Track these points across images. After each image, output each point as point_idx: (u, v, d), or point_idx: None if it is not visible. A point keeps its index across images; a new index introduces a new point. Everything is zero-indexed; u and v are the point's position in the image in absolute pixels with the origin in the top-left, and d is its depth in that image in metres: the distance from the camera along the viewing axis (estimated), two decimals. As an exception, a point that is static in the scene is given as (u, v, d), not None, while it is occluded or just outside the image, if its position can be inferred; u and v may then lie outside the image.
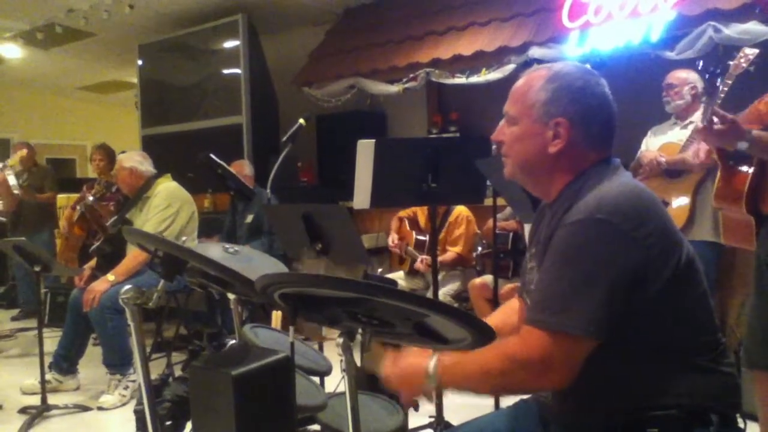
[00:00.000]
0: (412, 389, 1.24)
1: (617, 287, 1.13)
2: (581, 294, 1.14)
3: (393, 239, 4.42)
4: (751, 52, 2.35)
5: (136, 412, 1.30)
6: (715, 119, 1.94)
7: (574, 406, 1.24)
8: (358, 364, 0.99)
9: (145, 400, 1.17)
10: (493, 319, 1.54)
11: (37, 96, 9.08)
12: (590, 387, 1.18)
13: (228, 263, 1.26)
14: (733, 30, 3.61)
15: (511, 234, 3.95)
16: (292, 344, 1.03)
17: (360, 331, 0.99)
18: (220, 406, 1.14)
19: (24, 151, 5.45)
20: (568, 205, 1.25)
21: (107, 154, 4.89)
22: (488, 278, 3.78)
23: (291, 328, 1.03)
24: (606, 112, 1.33)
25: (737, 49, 2.44)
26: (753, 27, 3.54)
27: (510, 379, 1.18)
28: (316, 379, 1.78)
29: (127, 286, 1.11)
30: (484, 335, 0.98)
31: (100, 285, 3.50)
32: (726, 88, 2.26)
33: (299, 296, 1.06)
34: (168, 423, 1.28)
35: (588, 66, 1.38)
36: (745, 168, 2.13)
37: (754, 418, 2.18)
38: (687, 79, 3.25)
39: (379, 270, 2.56)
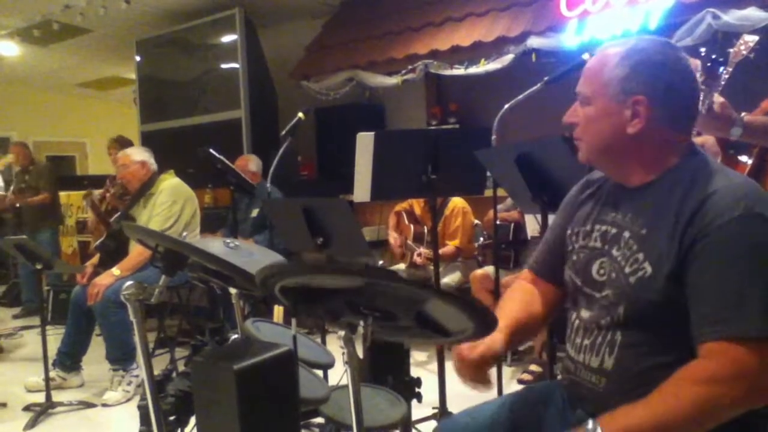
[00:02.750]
0: None
1: None
2: (764, 294, 1.08)
3: (393, 239, 4.41)
4: (751, 39, 2.33)
5: (139, 407, 1.30)
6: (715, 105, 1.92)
7: (635, 396, 1.13)
8: (360, 356, 0.99)
9: (148, 396, 1.18)
10: (513, 311, 1.45)
11: (35, 93, 9.06)
12: (658, 379, 1.12)
13: (228, 258, 1.26)
14: (731, 16, 3.60)
15: (512, 225, 3.95)
16: (295, 337, 1.03)
17: (362, 323, 0.99)
18: (223, 401, 1.14)
19: (9, 157, 5.48)
20: (690, 196, 1.17)
21: (123, 146, 4.88)
22: (490, 269, 3.78)
23: (293, 321, 1.03)
24: (689, 89, 1.26)
25: (736, 36, 2.43)
26: (752, 13, 3.53)
27: (718, 405, 1.07)
28: (320, 372, 1.78)
29: (129, 282, 1.11)
30: (485, 321, 0.97)
31: (105, 279, 3.51)
32: (726, 76, 2.24)
33: (299, 290, 1.06)
34: (172, 418, 1.29)
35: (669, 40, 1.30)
36: (744, 158, 2.12)
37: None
38: (696, 65, 3.23)
39: (380, 263, 2.56)
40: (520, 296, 1.51)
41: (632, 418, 1.09)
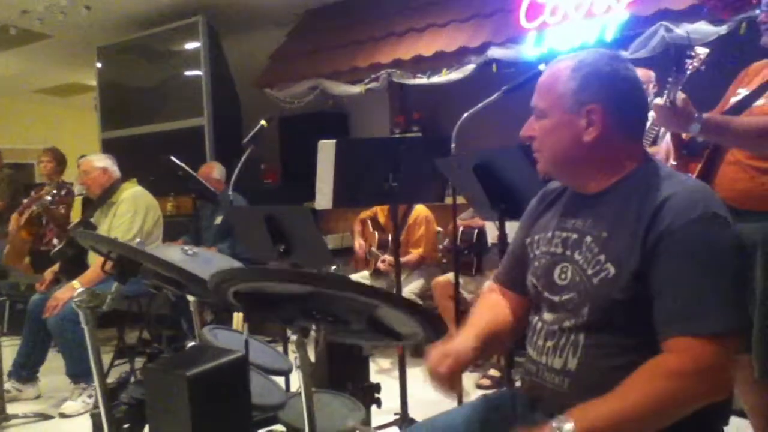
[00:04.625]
0: None
1: (741, 277, 1.16)
2: (725, 291, 1.14)
3: (359, 245, 4.43)
4: (702, 52, 2.40)
5: (92, 416, 1.29)
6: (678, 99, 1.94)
7: (598, 396, 1.16)
8: (312, 359, 1.00)
9: (101, 404, 1.17)
10: (482, 321, 1.49)
11: (-9, 99, 8.85)
12: (621, 380, 1.15)
13: (184, 265, 1.26)
14: (683, 29, 3.71)
15: (476, 231, 4.00)
16: (247, 341, 1.04)
17: (314, 327, 1.00)
18: (176, 408, 1.15)
19: None
20: (648, 200, 1.22)
21: (55, 157, 4.81)
22: (452, 276, 3.82)
23: (245, 326, 1.04)
24: (638, 97, 1.33)
25: (689, 49, 2.50)
26: (702, 27, 3.64)
27: (682, 399, 1.12)
28: (281, 380, 1.78)
29: (80, 289, 1.11)
30: (435, 327, 0.99)
31: (65, 293, 3.44)
32: (679, 87, 2.30)
33: (253, 295, 1.07)
34: (125, 426, 1.28)
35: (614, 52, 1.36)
36: (696, 161, 2.18)
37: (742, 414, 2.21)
38: (650, 76, 3.31)
39: (333, 268, 2.57)
40: (488, 307, 1.55)
41: (601, 411, 1.13)
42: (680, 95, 1.96)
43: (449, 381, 1.35)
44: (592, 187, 1.35)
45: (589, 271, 1.27)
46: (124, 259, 1.16)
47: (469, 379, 3.69)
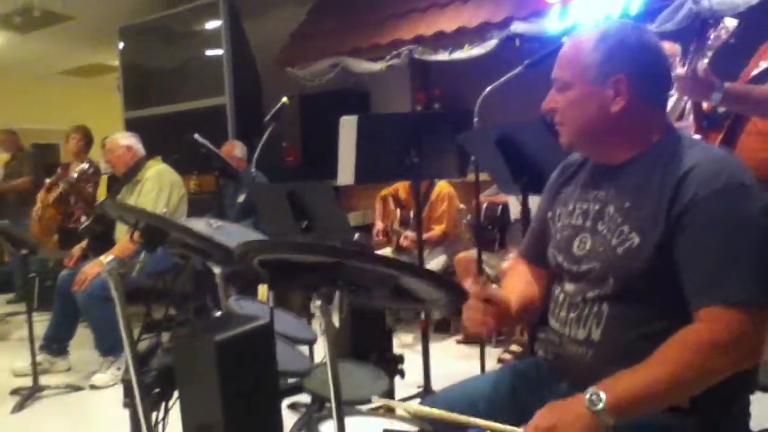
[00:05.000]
0: None
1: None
2: (754, 260, 1.13)
3: (378, 227, 4.44)
4: (731, 24, 2.35)
5: (123, 381, 1.33)
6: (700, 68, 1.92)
7: (622, 366, 1.17)
8: (336, 325, 1.02)
9: (131, 369, 1.20)
10: (518, 287, 1.50)
11: (17, 81, 8.96)
12: (645, 349, 1.16)
13: (210, 234, 1.28)
14: (712, 1, 3.63)
15: (500, 207, 4.00)
16: (272, 309, 1.06)
17: (338, 294, 1.02)
18: (204, 373, 1.17)
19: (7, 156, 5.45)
20: (672, 170, 1.22)
21: (85, 135, 4.86)
22: (474, 252, 3.83)
23: (270, 294, 1.06)
24: (663, 67, 1.32)
25: (712, 19, 2.45)
26: (731, -3, 3.56)
27: (712, 368, 1.12)
28: (305, 349, 1.81)
29: (110, 257, 1.13)
30: (455, 293, 1.00)
31: (93, 268, 3.52)
32: (706, 60, 2.26)
33: (278, 263, 1.09)
34: (155, 391, 1.32)
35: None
36: (717, 132, 2.16)
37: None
38: (675, 50, 3.25)
39: (356, 236, 2.59)
40: (520, 276, 1.56)
41: (633, 382, 1.13)
42: (701, 64, 1.93)
43: (486, 322, 1.33)
44: (615, 158, 1.35)
45: (614, 242, 1.27)
46: (151, 228, 1.18)
47: (490, 355, 3.70)
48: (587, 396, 1.12)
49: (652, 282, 1.22)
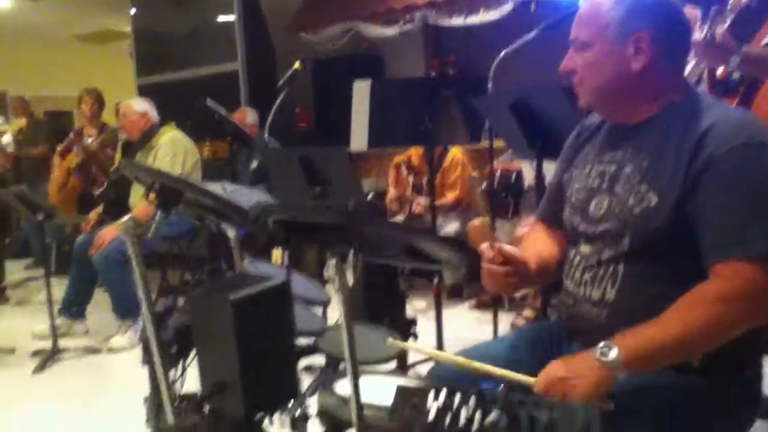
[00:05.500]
0: (598, 392, 1.10)
1: None
2: None
3: (390, 198, 4.43)
4: None
5: (141, 339, 1.35)
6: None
7: (636, 326, 1.16)
8: (350, 283, 1.02)
9: (148, 327, 1.22)
10: (536, 248, 1.49)
11: (29, 48, 8.94)
12: (659, 308, 1.16)
13: (225, 195, 1.29)
14: (734, -38, 3.53)
15: (514, 174, 3.97)
16: (289, 266, 1.06)
17: (351, 253, 1.02)
18: (222, 331, 1.19)
19: (22, 121, 5.45)
20: (691, 128, 1.21)
21: (97, 99, 4.84)
22: (487, 219, 3.82)
23: (285, 254, 1.07)
24: (683, 24, 1.31)
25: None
26: (754, -42, 3.46)
27: (728, 322, 1.12)
28: (319, 311, 1.83)
29: (126, 217, 1.14)
30: (467, 254, 1.00)
31: (110, 232, 3.56)
32: (726, 24, 2.21)
33: (292, 223, 1.09)
34: (173, 350, 1.34)
35: None
36: (731, 99, 2.13)
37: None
38: (695, 15, 3.18)
39: (370, 195, 2.59)
40: (539, 238, 1.56)
41: (645, 336, 1.14)
42: (720, 29, 1.90)
43: (504, 281, 1.34)
44: (633, 118, 1.33)
45: (630, 201, 1.26)
46: (167, 189, 1.19)
47: (503, 320, 3.72)
48: (598, 347, 1.13)
49: (668, 241, 1.22)
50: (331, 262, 1.02)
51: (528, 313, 3.63)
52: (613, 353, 1.11)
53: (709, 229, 1.17)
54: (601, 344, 1.13)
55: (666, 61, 1.28)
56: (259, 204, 1.01)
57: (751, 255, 1.12)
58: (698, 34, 1.92)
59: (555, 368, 1.15)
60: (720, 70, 2.15)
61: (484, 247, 1.33)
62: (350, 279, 1.01)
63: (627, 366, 1.11)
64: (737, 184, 1.16)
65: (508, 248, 1.34)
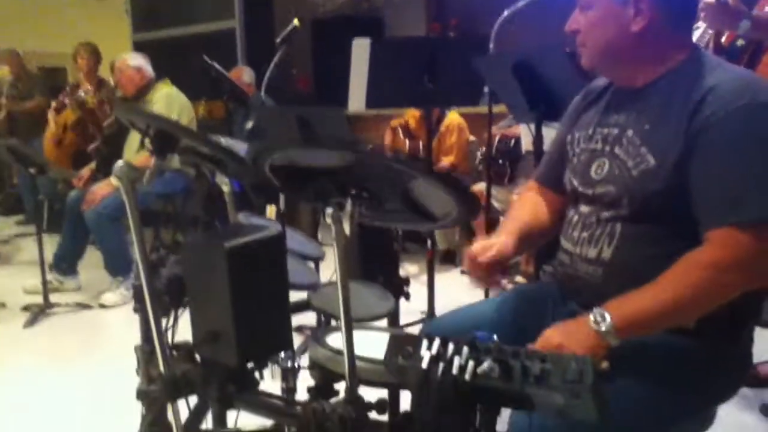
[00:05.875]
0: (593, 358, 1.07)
1: None
2: None
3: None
4: None
5: (133, 286, 1.34)
6: None
7: (631, 287, 1.16)
8: (348, 233, 1.01)
9: (142, 275, 1.21)
10: (522, 218, 1.50)
11: (23, 3, 8.77)
12: (655, 269, 1.15)
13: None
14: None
15: (513, 140, 3.95)
16: (283, 213, 1.05)
17: (349, 202, 1.00)
18: (215, 281, 1.17)
19: (4, 69, 5.36)
20: (694, 90, 1.19)
21: (94, 53, 4.75)
22: (483, 185, 3.81)
23: (281, 198, 1.05)
24: None
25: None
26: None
27: (718, 289, 1.12)
28: (311, 266, 1.82)
29: (121, 162, 1.12)
30: (467, 202, 0.99)
31: (103, 189, 3.53)
32: None
33: (289, 169, 1.08)
34: (165, 299, 1.33)
35: None
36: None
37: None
38: None
39: (369, 147, 2.58)
40: (527, 205, 1.56)
41: (638, 303, 1.14)
42: None
43: (488, 273, 1.37)
44: (638, 80, 1.32)
45: (630, 164, 1.26)
46: (163, 133, 1.16)
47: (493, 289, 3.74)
48: (591, 315, 1.13)
49: (666, 204, 1.21)
50: (329, 211, 1.01)
51: (520, 279, 3.64)
52: (607, 321, 1.11)
53: (704, 194, 1.16)
54: (595, 312, 1.13)
55: (668, 22, 1.26)
56: (255, 146, 0.99)
57: (745, 221, 1.11)
58: None
59: (551, 335, 1.16)
60: (725, 37, 2.14)
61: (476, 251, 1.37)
62: (347, 229, 1.00)
63: (620, 333, 1.12)
64: (735, 146, 1.14)
65: (487, 250, 1.37)
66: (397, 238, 2.98)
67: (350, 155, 0.93)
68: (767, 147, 1.13)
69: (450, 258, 4.35)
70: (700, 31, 2.66)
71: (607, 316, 1.12)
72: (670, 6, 1.25)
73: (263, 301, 1.21)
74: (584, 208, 1.36)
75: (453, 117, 4.23)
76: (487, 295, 2.84)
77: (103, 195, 3.49)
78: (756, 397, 2.37)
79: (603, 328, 1.11)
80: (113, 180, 1.14)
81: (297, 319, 2.62)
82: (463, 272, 4.09)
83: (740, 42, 2.15)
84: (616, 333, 1.12)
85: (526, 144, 3.66)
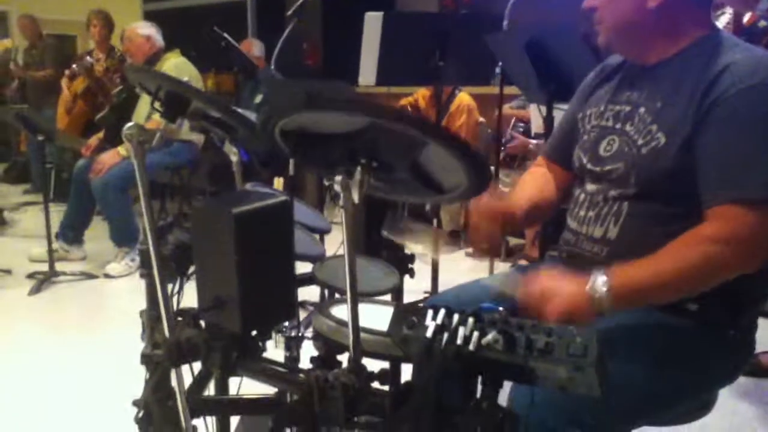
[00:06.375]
0: (570, 317, 1.07)
1: None
2: None
3: None
4: None
5: (140, 251, 1.34)
6: None
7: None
8: (356, 200, 1.00)
9: (149, 240, 1.20)
10: (527, 191, 1.50)
11: (34, -32, 8.71)
12: (660, 247, 1.14)
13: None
14: None
15: (529, 123, 3.93)
16: (292, 177, 1.04)
17: (359, 169, 1.00)
18: (222, 246, 1.17)
19: (7, 42, 5.33)
20: (708, 68, 1.17)
21: (106, 20, 4.72)
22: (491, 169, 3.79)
23: (291, 162, 1.04)
24: None
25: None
26: None
27: (715, 265, 1.10)
28: (317, 237, 1.82)
29: (130, 123, 1.12)
30: (479, 172, 0.98)
31: (111, 158, 3.53)
32: None
33: (299, 134, 1.07)
34: (172, 264, 1.33)
35: None
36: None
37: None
38: None
39: None
40: (534, 179, 1.55)
41: (637, 271, 1.12)
42: None
43: (491, 236, 1.37)
44: (652, 57, 1.30)
45: (639, 141, 1.25)
46: (173, 95, 1.15)
47: (499, 268, 3.74)
48: (592, 278, 1.11)
49: (674, 183, 1.20)
50: (338, 178, 1.00)
51: (524, 262, 3.64)
52: (603, 286, 1.09)
53: (710, 169, 1.15)
54: (596, 274, 1.11)
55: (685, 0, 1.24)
56: (270, 106, 0.98)
57: (749, 198, 1.10)
58: None
59: (543, 278, 1.14)
60: (747, 17, 2.10)
61: (480, 211, 1.36)
62: (356, 197, 0.99)
63: (615, 300, 1.09)
64: (742, 124, 1.12)
65: (492, 201, 1.36)
66: (403, 216, 2.97)
67: (362, 117, 0.92)
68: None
69: (454, 239, 4.34)
70: (726, 17, 2.63)
71: (603, 278, 1.10)
72: None
73: (269, 268, 1.21)
74: (591, 187, 1.35)
75: (462, 97, 4.20)
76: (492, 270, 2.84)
77: (111, 164, 3.49)
78: (756, 387, 2.38)
79: (598, 291, 1.09)
80: (123, 145, 1.13)
81: (301, 294, 2.64)
82: (467, 254, 4.09)
83: (762, 23, 2.11)
84: (612, 299, 1.09)
85: (536, 126, 3.64)
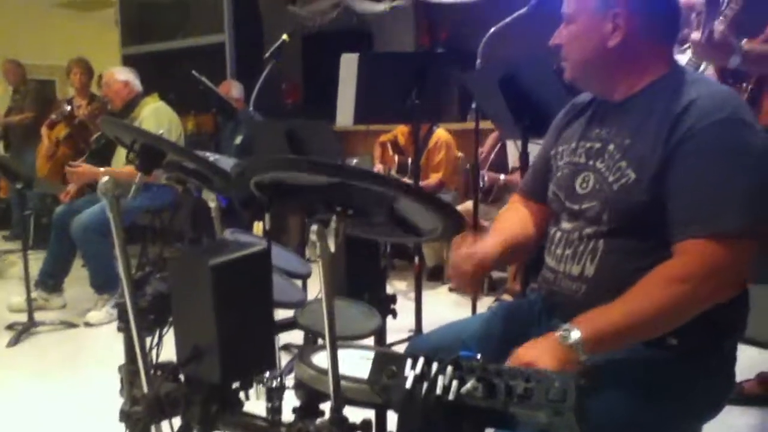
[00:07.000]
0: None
1: (764, 182, 1.13)
2: (741, 193, 1.12)
3: (378, 170, 4.42)
4: None
5: (117, 305, 1.33)
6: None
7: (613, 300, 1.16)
8: (332, 250, 1.00)
9: (126, 293, 1.19)
10: (507, 228, 1.51)
11: (12, 13, 8.73)
12: (637, 282, 1.15)
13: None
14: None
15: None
16: (269, 231, 1.04)
17: (334, 218, 1.00)
18: (200, 296, 1.16)
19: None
20: (674, 103, 1.20)
21: (86, 68, 4.76)
22: (470, 204, 3.81)
23: (267, 216, 1.04)
24: (665, 4, 1.31)
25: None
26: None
27: (686, 303, 1.11)
28: (298, 283, 1.81)
29: (106, 178, 1.11)
30: (452, 219, 0.99)
31: (88, 175, 3.54)
32: (736, 6, 2.13)
33: (274, 186, 1.07)
34: (150, 317, 1.31)
35: None
36: (744, 85, 2.12)
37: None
38: (694, 4, 3.12)
39: (354, 161, 2.57)
40: (513, 216, 1.56)
41: (606, 317, 1.13)
42: (718, 27, 1.87)
43: (472, 281, 1.38)
44: (617, 95, 1.33)
45: (610, 178, 1.27)
46: (148, 148, 1.16)
47: (482, 303, 3.73)
48: (559, 332, 1.12)
49: (647, 218, 1.21)
50: (314, 227, 1.01)
51: (506, 297, 3.64)
52: (575, 335, 1.10)
53: (678, 204, 1.16)
54: (563, 327, 1.12)
55: (645, 38, 1.28)
56: (240, 162, 0.99)
57: (717, 232, 1.11)
58: (696, 35, 1.89)
59: (523, 352, 1.14)
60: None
61: (460, 259, 1.37)
62: (332, 246, 0.99)
63: (589, 347, 1.10)
64: (711, 159, 1.15)
65: (474, 249, 1.38)
66: (384, 255, 2.97)
67: (333, 177, 0.93)
68: (742, 161, 1.15)
69: (437, 274, 4.34)
70: (686, 57, 2.68)
71: (576, 331, 1.11)
72: (649, 21, 1.28)
73: (247, 318, 1.20)
74: (566, 225, 1.37)
75: (440, 134, 4.25)
76: (474, 311, 2.83)
77: (86, 176, 3.49)
78: (742, 414, 2.37)
79: (571, 340, 1.10)
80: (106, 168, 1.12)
81: (284, 338, 2.61)
82: (451, 290, 4.08)
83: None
84: (585, 347, 1.10)
85: (513, 161, 3.68)
